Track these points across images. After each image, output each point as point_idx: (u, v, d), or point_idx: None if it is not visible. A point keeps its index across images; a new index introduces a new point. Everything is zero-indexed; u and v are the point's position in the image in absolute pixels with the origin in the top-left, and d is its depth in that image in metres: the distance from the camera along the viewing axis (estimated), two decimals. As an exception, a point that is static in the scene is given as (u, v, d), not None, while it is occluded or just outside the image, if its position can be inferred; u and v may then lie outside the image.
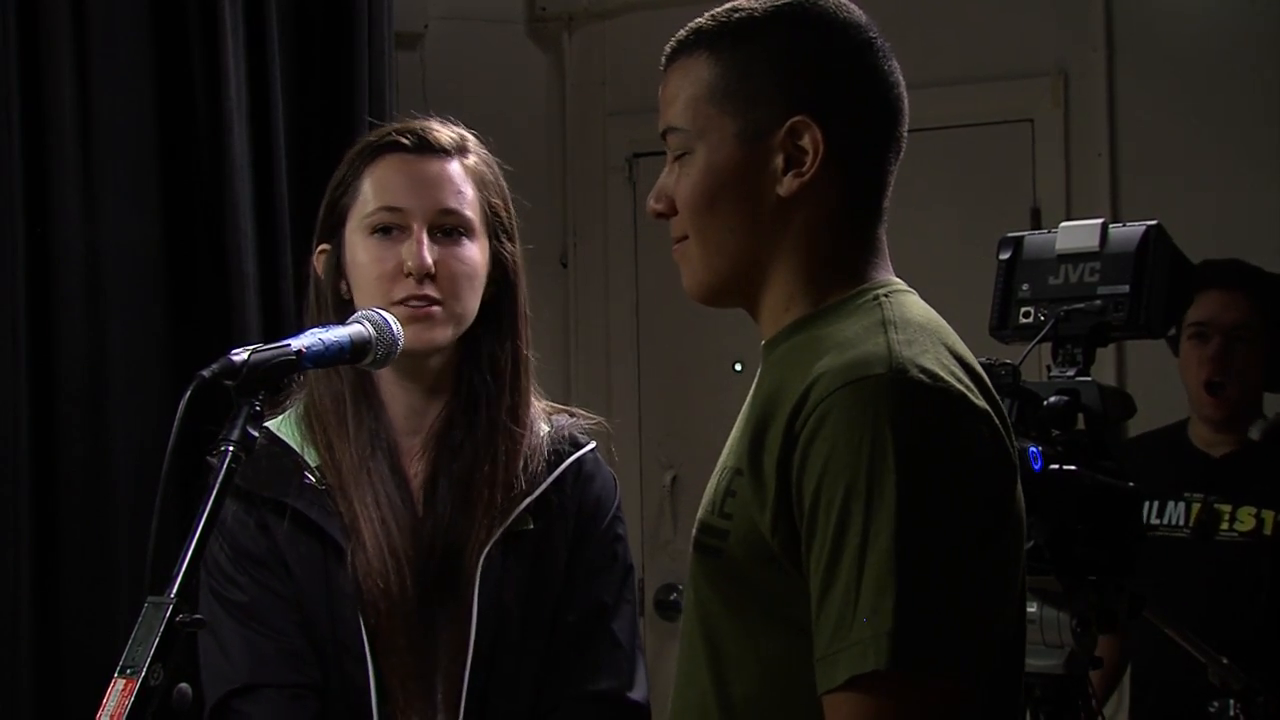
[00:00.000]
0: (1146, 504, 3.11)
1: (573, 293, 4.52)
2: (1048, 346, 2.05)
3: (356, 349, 1.75)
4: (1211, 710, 2.69)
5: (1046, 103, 4.04)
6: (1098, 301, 2.01)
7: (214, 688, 1.83)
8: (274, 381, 1.60)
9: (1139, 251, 2.00)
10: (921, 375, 1.40)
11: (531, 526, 1.91)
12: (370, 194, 1.92)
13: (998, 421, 1.45)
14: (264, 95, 3.14)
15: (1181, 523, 3.09)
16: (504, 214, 1.98)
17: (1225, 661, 2.65)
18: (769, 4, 1.54)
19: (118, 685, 1.40)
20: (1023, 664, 1.54)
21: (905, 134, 1.57)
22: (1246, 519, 2.95)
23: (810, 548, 1.40)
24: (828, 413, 1.39)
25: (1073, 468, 1.86)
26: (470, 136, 2.00)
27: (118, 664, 1.41)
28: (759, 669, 1.47)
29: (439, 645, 1.86)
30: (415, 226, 1.89)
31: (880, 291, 1.52)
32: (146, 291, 3.01)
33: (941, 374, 1.42)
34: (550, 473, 1.93)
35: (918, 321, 1.49)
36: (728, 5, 1.57)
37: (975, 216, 3.97)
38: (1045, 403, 1.93)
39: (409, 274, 1.87)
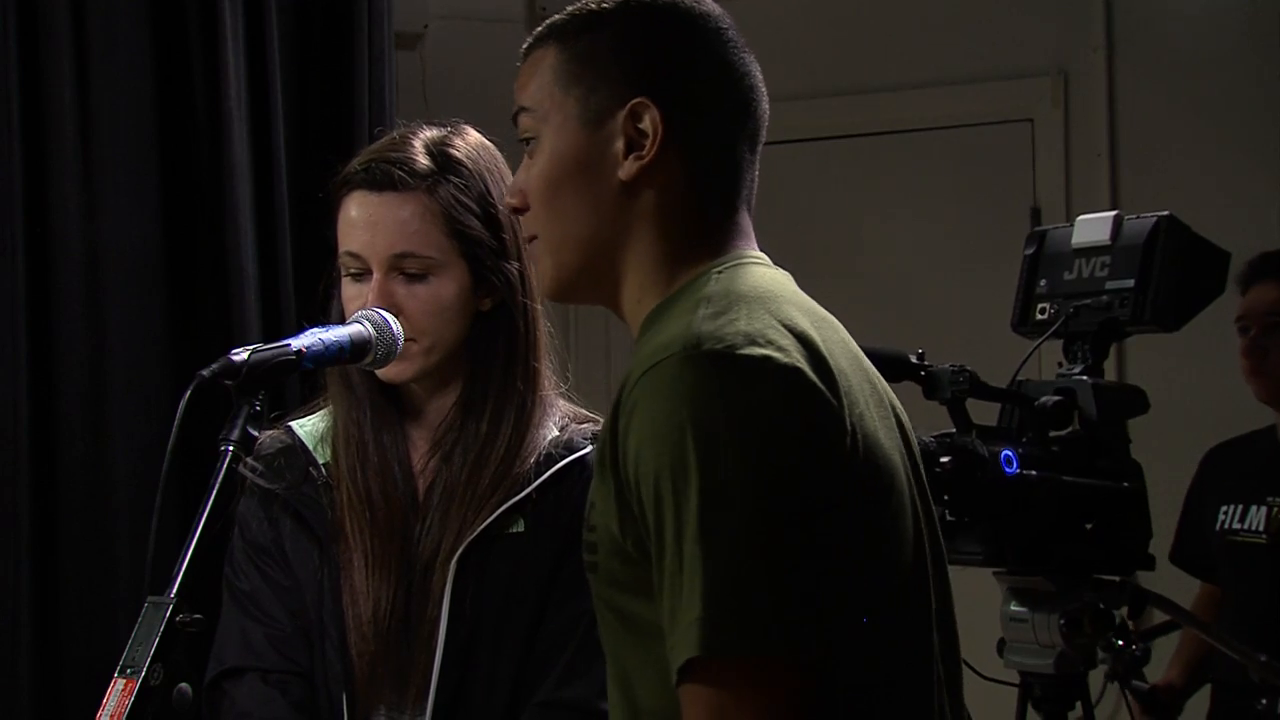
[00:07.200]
0: (1229, 508, 3.05)
1: (573, 292, 4.51)
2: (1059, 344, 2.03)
3: (356, 348, 1.76)
4: (1260, 707, 2.63)
5: (1046, 103, 4.05)
6: (1104, 297, 1.97)
7: (210, 667, 1.90)
8: (274, 381, 1.61)
9: (1147, 244, 1.96)
10: (716, 345, 1.36)
11: (521, 529, 1.90)
12: (340, 234, 1.91)
13: (816, 378, 1.37)
14: (264, 95, 3.13)
15: (1260, 528, 3.02)
16: (486, 235, 1.90)
17: (1264, 659, 2.60)
18: None
19: (118, 685, 1.41)
20: (928, 630, 1.45)
21: (763, 131, 1.55)
22: None
23: (650, 544, 1.37)
24: (635, 403, 1.37)
25: (1038, 473, 1.83)
26: (457, 150, 1.92)
27: (118, 664, 1.42)
28: (656, 677, 1.40)
29: (415, 641, 1.87)
30: (374, 271, 1.87)
31: (716, 268, 1.49)
32: (146, 291, 3.00)
33: (738, 341, 1.36)
34: (538, 477, 1.90)
35: (740, 291, 1.44)
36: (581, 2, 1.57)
37: (975, 216, 3.96)
38: (1036, 403, 1.91)
39: None
